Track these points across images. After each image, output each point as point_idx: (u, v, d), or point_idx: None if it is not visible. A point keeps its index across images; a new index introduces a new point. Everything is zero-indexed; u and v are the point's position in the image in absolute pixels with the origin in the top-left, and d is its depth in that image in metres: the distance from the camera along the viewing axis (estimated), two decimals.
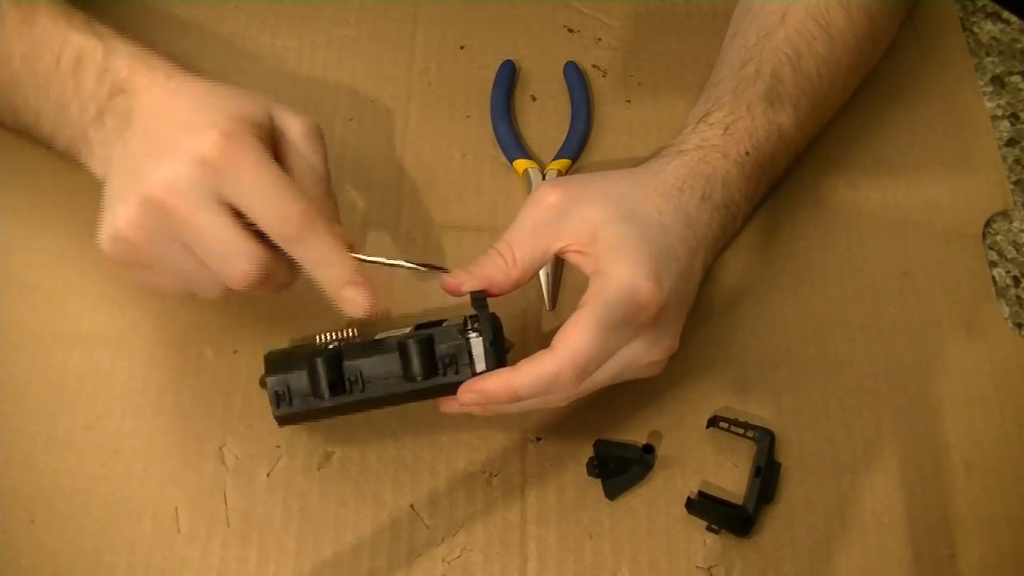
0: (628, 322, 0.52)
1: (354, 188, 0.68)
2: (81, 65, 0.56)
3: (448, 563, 0.56)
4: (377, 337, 0.54)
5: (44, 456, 0.58)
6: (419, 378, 0.53)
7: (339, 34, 0.75)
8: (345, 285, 0.52)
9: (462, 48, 0.75)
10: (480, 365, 0.53)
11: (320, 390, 0.53)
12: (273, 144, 0.54)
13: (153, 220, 0.50)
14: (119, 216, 0.50)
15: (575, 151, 0.70)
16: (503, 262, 0.55)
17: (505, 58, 0.74)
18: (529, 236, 0.55)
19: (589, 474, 0.59)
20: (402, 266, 0.56)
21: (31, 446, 0.58)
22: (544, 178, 0.68)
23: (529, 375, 0.51)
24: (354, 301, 0.52)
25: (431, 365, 0.53)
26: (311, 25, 0.75)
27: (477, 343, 0.53)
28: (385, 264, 0.55)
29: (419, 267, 0.56)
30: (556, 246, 0.55)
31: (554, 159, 0.69)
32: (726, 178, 0.60)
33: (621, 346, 0.53)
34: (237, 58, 0.73)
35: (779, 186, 0.69)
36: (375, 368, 0.53)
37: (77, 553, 0.55)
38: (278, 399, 0.53)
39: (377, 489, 0.58)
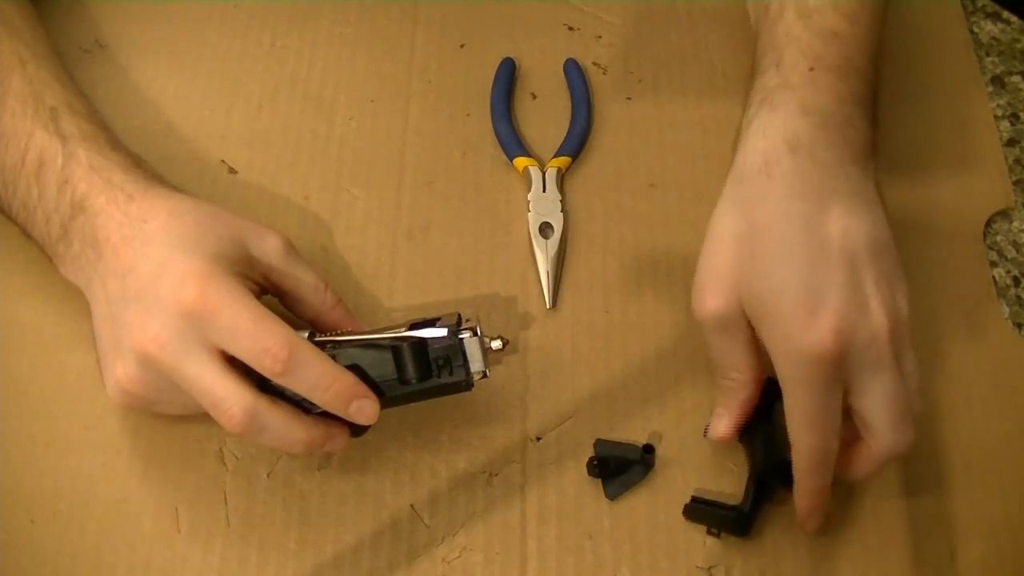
0: (817, 371, 0.50)
1: (354, 187, 0.68)
2: (43, 170, 0.56)
3: (448, 563, 0.56)
4: (371, 338, 0.54)
5: (44, 456, 0.58)
6: (414, 380, 0.53)
7: (339, 34, 0.75)
8: (349, 402, 0.51)
9: (462, 47, 0.75)
10: (475, 365, 0.53)
11: None
12: (253, 271, 0.55)
13: (150, 373, 0.51)
14: (119, 373, 0.52)
15: (575, 148, 0.70)
16: (734, 393, 0.55)
17: (505, 56, 0.74)
18: (728, 354, 0.55)
19: (589, 474, 0.59)
20: (402, 336, 0.54)
21: (31, 446, 0.58)
22: (544, 176, 0.68)
23: (803, 479, 0.53)
24: (362, 413, 0.51)
25: (425, 367, 0.53)
26: (311, 25, 0.75)
27: (471, 343, 0.53)
28: (388, 337, 0.54)
29: (412, 332, 0.54)
30: (750, 341, 0.54)
31: (554, 157, 0.69)
32: (804, 105, 0.56)
33: (836, 382, 0.51)
34: (237, 58, 0.73)
35: None
36: (369, 371, 0.53)
37: (77, 553, 0.56)
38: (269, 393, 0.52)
39: (377, 489, 0.58)
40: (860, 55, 0.60)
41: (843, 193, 0.54)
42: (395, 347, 0.52)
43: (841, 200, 0.53)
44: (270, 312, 0.50)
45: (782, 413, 0.53)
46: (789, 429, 0.52)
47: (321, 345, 0.52)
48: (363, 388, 0.51)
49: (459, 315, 0.54)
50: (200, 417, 0.53)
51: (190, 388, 0.50)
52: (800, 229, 0.52)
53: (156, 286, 0.51)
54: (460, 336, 0.53)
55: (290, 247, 0.57)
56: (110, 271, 0.53)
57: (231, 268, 0.52)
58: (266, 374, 0.50)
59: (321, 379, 0.50)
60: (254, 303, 0.50)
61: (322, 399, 0.51)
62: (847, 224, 0.52)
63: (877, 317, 0.51)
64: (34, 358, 0.61)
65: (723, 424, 0.56)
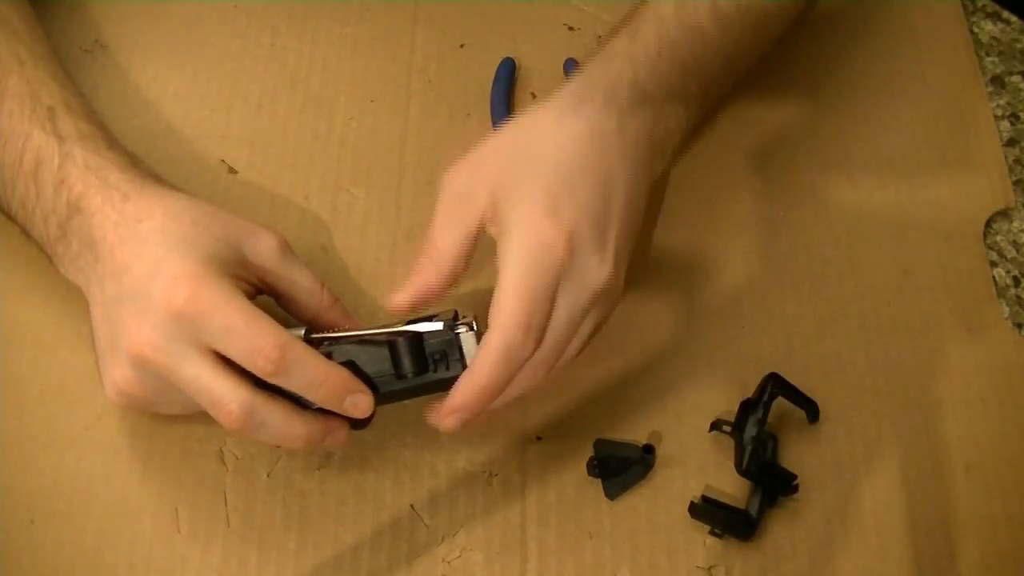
0: (542, 266, 0.51)
1: (354, 187, 0.68)
2: (40, 170, 0.56)
3: (448, 563, 0.56)
4: (367, 333, 0.53)
5: (44, 456, 0.58)
6: (410, 375, 0.53)
7: (339, 34, 0.75)
8: (343, 398, 0.51)
9: (462, 47, 0.75)
10: (472, 359, 0.53)
11: None
12: (247, 272, 0.54)
13: (146, 375, 0.52)
14: (117, 376, 0.52)
15: None
16: (429, 260, 0.54)
17: (505, 56, 0.74)
18: (445, 227, 0.54)
19: (589, 474, 0.59)
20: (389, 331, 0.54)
21: (31, 446, 0.58)
22: None
23: (485, 361, 0.50)
24: (356, 407, 0.51)
25: (421, 362, 0.53)
26: (311, 25, 0.75)
27: (467, 338, 0.53)
28: (384, 332, 0.53)
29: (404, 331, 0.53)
30: (471, 228, 0.54)
31: None
32: (634, 80, 0.58)
33: (554, 289, 0.52)
34: (237, 58, 0.73)
35: (778, 184, 0.69)
36: (365, 367, 0.52)
37: (77, 553, 0.56)
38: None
39: (377, 489, 0.58)
40: (712, 72, 0.62)
41: (633, 152, 0.56)
42: (391, 342, 0.52)
43: (625, 167, 0.56)
44: (262, 312, 0.50)
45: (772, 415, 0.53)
46: (495, 310, 0.51)
47: (317, 342, 0.52)
48: (356, 383, 0.51)
49: (456, 311, 0.54)
50: (200, 417, 0.53)
51: (187, 388, 0.50)
52: (582, 160, 0.54)
53: (149, 287, 0.50)
54: (456, 331, 0.53)
55: (286, 248, 0.56)
56: (107, 272, 0.53)
57: (224, 269, 0.52)
58: (259, 374, 0.50)
59: (314, 377, 0.50)
60: (246, 304, 0.50)
61: (316, 396, 0.51)
62: (621, 185, 0.55)
63: (597, 265, 0.53)
64: (34, 358, 0.61)
65: (401, 295, 0.54)
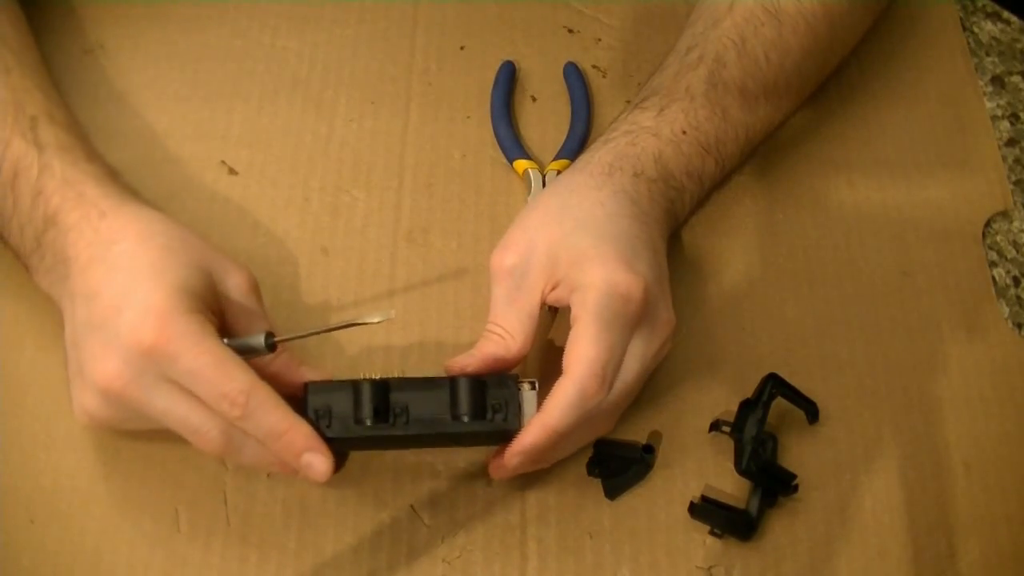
0: (622, 317, 0.53)
1: (354, 189, 0.68)
2: (18, 180, 0.56)
3: (448, 563, 0.56)
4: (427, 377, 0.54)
5: (44, 456, 0.58)
6: (466, 418, 0.52)
7: (339, 34, 0.75)
8: (302, 452, 0.50)
9: (462, 48, 0.75)
10: (528, 419, 0.53)
11: (362, 415, 0.51)
12: (214, 302, 0.53)
13: (116, 407, 0.51)
14: (86, 403, 0.52)
15: (575, 151, 0.70)
16: (500, 339, 0.55)
17: (505, 58, 0.74)
18: (508, 307, 0.55)
19: (589, 474, 0.59)
20: (338, 327, 0.54)
21: (31, 446, 0.58)
22: (544, 179, 0.68)
23: (558, 406, 0.51)
24: (311, 467, 0.50)
25: (480, 408, 0.52)
26: (311, 25, 0.75)
27: (529, 396, 0.53)
28: (322, 332, 0.55)
29: (353, 324, 0.54)
30: (535, 301, 0.55)
31: (554, 159, 0.69)
32: (659, 155, 0.61)
33: (627, 342, 0.54)
34: (237, 58, 0.73)
35: (778, 186, 0.69)
36: (422, 403, 0.52)
37: (77, 553, 0.55)
38: (317, 420, 0.51)
39: (377, 489, 0.58)
40: (732, 148, 0.65)
41: (657, 220, 0.60)
42: (452, 382, 0.52)
43: (656, 229, 0.59)
44: (229, 354, 0.49)
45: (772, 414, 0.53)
46: (572, 358, 0.52)
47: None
48: (317, 442, 0.50)
49: (517, 376, 0.54)
50: None
51: (162, 419, 0.50)
52: (630, 220, 0.57)
53: (117, 320, 0.49)
54: (519, 386, 0.53)
55: (254, 289, 0.55)
56: (78, 292, 0.52)
57: (193, 303, 0.50)
58: (224, 417, 0.49)
59: (276, 426, 0.49)
60: (214, 345, 0.49)
61: (274, 447, 0.50)
62: (659, 244, 0.59)
63: (665, 314, 0.56)
64: (34, 358, 0.61)
65: (462, 362, 0.54)
